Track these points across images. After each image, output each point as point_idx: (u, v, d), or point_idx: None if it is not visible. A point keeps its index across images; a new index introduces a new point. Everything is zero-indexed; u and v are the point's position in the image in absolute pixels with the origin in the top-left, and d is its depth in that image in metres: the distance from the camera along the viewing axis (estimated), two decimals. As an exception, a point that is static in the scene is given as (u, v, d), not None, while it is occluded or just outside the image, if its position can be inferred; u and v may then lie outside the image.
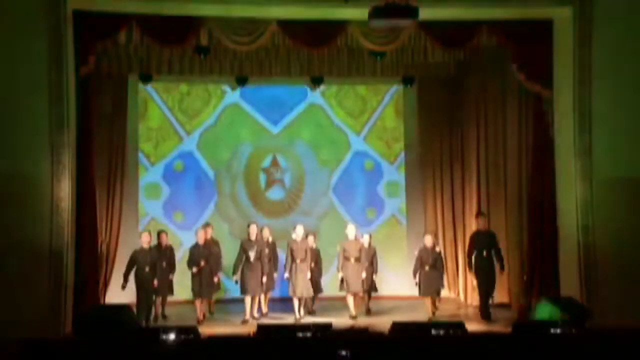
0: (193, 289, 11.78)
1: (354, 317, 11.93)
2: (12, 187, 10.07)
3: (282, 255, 12.62)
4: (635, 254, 10.58)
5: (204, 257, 11.76)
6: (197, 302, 11.78)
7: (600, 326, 9.78)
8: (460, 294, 13.83)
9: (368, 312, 12.49)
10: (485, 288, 11.87)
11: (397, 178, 14.71)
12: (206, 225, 12.58)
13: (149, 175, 14.12)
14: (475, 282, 12.14)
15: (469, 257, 12.08)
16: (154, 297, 11.72)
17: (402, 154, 14.71)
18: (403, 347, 7.98)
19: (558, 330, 8.73)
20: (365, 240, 12.42)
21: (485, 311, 11.78)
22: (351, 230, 12.37)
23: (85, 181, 11.02)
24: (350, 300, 12.13)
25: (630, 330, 8.53)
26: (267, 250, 12.14)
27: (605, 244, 10.67)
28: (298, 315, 11.81)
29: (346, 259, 12.15)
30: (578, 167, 10.91)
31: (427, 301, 12.10)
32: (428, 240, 12.18)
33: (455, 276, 13.97)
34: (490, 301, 11.94)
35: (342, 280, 12.20)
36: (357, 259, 12.13)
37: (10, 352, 7.99)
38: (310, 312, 12.27)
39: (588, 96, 10.82)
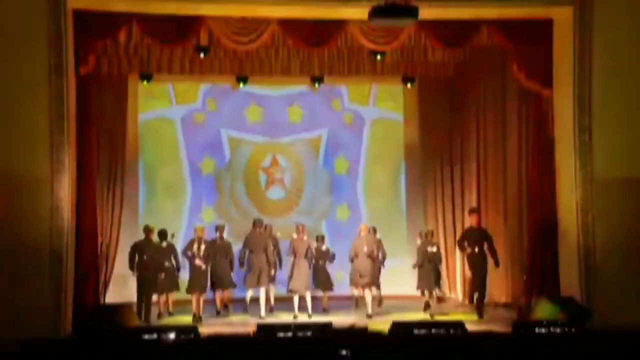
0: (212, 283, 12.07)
1: (370, 316, 11.91)
2: (12, 187, 10.05)
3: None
4: (635, 254, 10.58)
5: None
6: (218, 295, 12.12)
7: (600, 326, 9.79)
8: (459, 293, 13.84)
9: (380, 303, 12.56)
10: (475, 283, 12.09)
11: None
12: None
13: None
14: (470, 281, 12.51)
15: (459, 246, 12.50)
16: (151, 293, 11.72)
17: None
18: (403, 347, 7.99)
19: (558, 330, 8.76)
20: (371, 233, 12.49)
21: (471, 301, 12.08)
22: (361, 229, 12.45)
23: (85, 181, 11.00)
24: (359, 293, 12.12)
25: (630, 330, 8.53)
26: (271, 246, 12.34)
27: (605, 244, 10.66)
28: (297, 312, 11.89)
29: (356, 255, 12.17)
30: (578, 167, 10.90)
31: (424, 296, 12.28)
32: (421, 238, 12.44)
33: (455, 276, 13.98)
34: (482, 298, 12.03)
35: (352, 276, 12.23)
36: (368, 255, 12.15)
37: (10, 352, 7.99)
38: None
39: (588, 96, 10.81)
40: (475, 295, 12.12)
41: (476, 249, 12.00)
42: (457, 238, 12.84)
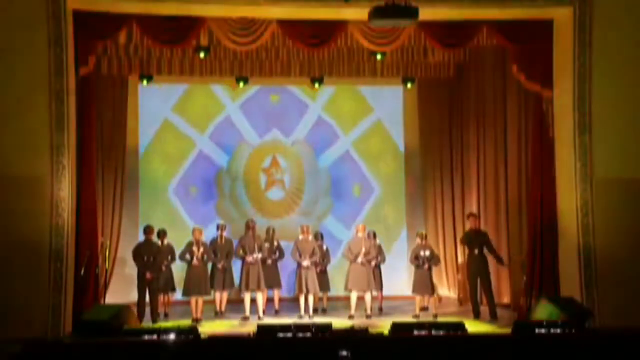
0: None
1: (369, 316, 11.91)
2: (12, 187, 10.06)
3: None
4: (635, 254, 10.58)
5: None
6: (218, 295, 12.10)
7: (600, 326, 9.80)
8: (457, 294, 13.83)
9: (380, 310, 12.57)
10: (476, 286, 12.06)
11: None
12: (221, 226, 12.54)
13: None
14: (467, 282, 12.41)
15: (462, 243, 12.58)
16: (156, 293, 11.69)
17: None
18: (403, 347, 8.00)
19: (558, 330, 8.76)
20: (371, 237, 12.40)
21: (477, 309, 11.98)
22: (358, 229, 12.36)
23: (85, 181, 11.00)
24: (357, 295, 12.09)
25: (629, 330, 8.55)
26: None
27: (605, 244, 10.66)
28: (303, 313, 11.90)
29: (352, 257, 12.08)
30: (578, 167, 10.90)
31: (417, 299, 12.23)
32: (417, 240, 12.37)
33: (455, 276, 13.97)
34: (492, 299, 12.02)
35: (348, 280, 12.21)
36: (364, 257, 12.05)
37: (10, 352, 7.99)
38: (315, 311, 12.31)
39: (588, 96, 10.81)
40: (475, 302, 12.04)
41: (476, 251, 12.01)
42: (460, 238, 12.82)
